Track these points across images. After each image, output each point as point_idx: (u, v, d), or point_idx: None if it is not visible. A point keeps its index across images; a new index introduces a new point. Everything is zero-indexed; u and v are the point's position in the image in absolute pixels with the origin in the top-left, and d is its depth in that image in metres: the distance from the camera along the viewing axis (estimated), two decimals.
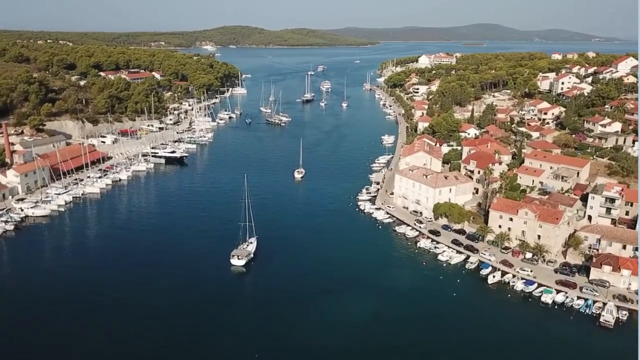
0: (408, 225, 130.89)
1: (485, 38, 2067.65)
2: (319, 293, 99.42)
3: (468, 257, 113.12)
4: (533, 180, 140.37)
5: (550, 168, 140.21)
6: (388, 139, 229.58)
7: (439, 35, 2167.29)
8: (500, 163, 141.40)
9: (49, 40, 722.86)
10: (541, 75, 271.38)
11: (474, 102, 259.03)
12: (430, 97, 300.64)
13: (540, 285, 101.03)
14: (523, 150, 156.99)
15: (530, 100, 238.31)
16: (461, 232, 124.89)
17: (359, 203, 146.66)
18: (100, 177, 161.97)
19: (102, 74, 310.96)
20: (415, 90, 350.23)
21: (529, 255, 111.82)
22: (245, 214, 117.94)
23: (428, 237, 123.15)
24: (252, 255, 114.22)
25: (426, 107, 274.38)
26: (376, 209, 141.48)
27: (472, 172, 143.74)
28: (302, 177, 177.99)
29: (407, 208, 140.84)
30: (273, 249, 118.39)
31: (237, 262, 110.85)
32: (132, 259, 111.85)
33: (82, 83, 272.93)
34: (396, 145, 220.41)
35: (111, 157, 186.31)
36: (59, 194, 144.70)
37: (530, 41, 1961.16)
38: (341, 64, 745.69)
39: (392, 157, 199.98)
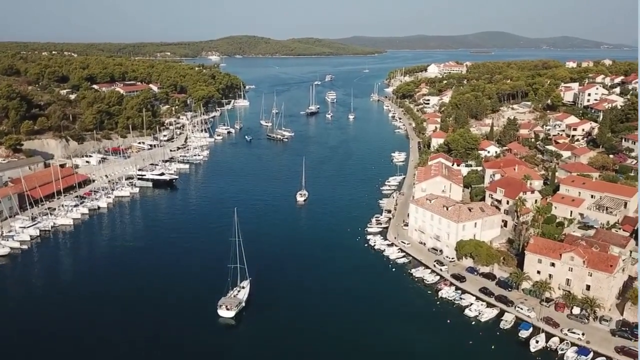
0: (426, 267, 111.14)
1: (493, 46, 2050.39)
2: (321, 356, 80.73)
3: (502, 312, 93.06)
4: (571, 212, 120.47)
5: (592, 197, 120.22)
6: (399, 157, 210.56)
7: (446, 43, 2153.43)
8: (532, 191, 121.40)
9: (53, 52, 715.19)
10: (563, 86, 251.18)
11: (491, 116, 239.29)
12: (443, 109, 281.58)
13: (596, 354, 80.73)
14: (556, 174, 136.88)
15: (554, 114, 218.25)
16: (490, 276, 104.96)
17: (369, 237, 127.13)
18: (76, 206, 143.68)
19: (95, 86, 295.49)
20: (426, 102, 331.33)
21: (576, 309, 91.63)
22: (235, 255, 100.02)
23: (451, 284, 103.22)
24: (243, 304, 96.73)
25: (439, 120, 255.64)
26: (388, 245, 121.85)
27: (499, 201, 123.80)
28: (304, 201, 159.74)
29: (425, 244, 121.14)
30: (268, 295, 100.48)
31: (226, 313, 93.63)
32: (98, 312, 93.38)
33: (72, 97, 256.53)
34: (408, 164, 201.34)
35: (94, 180, 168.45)
36: (25, 227, 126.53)
37: (538, 49, 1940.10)
38: (348, 74, 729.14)
39: (404, 177, 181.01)
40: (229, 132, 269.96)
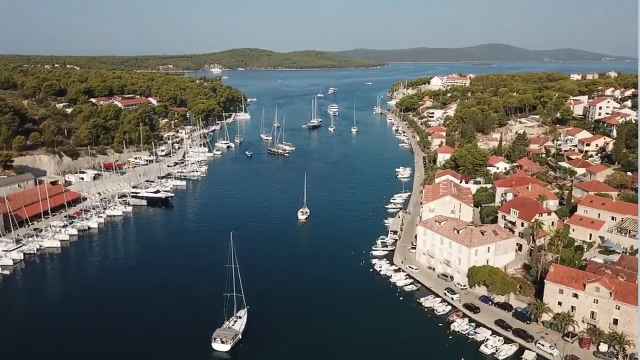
0: (436, 295, 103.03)
1: (495, 58, 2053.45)
2: None
3: (522, 349, 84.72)
4: (590, 235, 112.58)
5: (613, 219, 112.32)
6: (403, 172, 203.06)
7: (448, 56, 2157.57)
8: (549, 213, 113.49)
9: (56, 65, 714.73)
10: (572, 99, 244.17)
11: (500, 130, 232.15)
12: (448, 122, 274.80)
13: None
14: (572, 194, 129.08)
15: (564, 128, 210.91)
16: (506, 306, 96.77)
17: (374, 261, 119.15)
18: (64, 226, 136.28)
19: (93, 100, 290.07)
20: (430, 115, 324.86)
21: (603, 346, 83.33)
22: (231, 282, 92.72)
23: (464, 315, 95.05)
24: (239, 337, 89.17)
25: (444, 134, 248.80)
26: (395, 270, 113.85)
27: (513, 223, 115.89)
28: (306, 219, 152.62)
29: (434, 269, 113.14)
30: (267, 326, 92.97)
31: (221, 346, 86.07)
32: (84, 343, 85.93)
33: (69, 111, 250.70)
34: (413, 180, 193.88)
35: (86, 198, 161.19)
36: (8, 250, 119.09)
37: (540, 61, 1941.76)
38: (350, 86, 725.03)
39: (410, 195, 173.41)
40: (228, 147, 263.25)
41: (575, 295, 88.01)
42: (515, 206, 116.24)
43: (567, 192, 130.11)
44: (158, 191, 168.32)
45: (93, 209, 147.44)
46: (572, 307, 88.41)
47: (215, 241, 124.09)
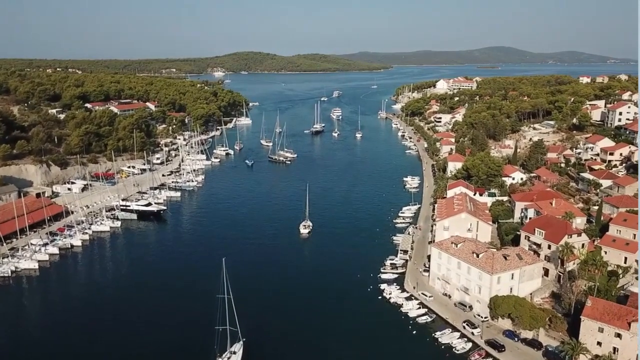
0: (454, 328, 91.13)
1: (499, 61, 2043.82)
2: None
3: None
4: (625, 258, 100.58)
5: None
6: (412, 182, 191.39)
7: (452, 59, 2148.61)
8: (579, 234, 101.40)
9: (58, 69, 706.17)
10: (589, 104, 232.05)
11: (512, 136, 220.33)
12: (457, 128, 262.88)
13: None
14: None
15: (581, 135, 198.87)
16: (535, 344, 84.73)
17: (383, 286, 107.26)
18: (45, 244, 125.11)
19: (89, 105, 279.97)
20: (437, 120, 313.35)
21: None
22: (225, 314, 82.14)
23: (487, 355, 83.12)
24: None
25: (453, 140, 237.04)
26: (406, 298, 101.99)
27: (538, 245, 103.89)
28: (308, 233, 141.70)
29: (450, 297, 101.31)
30: None
31: None
32: None
33: (62, 117, 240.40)
34: (422, 190, 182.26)
35: (73, 212, 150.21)
36: None
37: (544, 64, 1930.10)
38: (355, 89, 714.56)
39: (420, 207, 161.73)
40: (227, 154, 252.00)
41: (619, 335, 75.99)
42: (541, 226, 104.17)
43: (597, 208, 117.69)
44: (150, 204, 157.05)
45: (77, 224, 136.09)
46: (615, 349, 76.41)
47: (210, 264, 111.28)
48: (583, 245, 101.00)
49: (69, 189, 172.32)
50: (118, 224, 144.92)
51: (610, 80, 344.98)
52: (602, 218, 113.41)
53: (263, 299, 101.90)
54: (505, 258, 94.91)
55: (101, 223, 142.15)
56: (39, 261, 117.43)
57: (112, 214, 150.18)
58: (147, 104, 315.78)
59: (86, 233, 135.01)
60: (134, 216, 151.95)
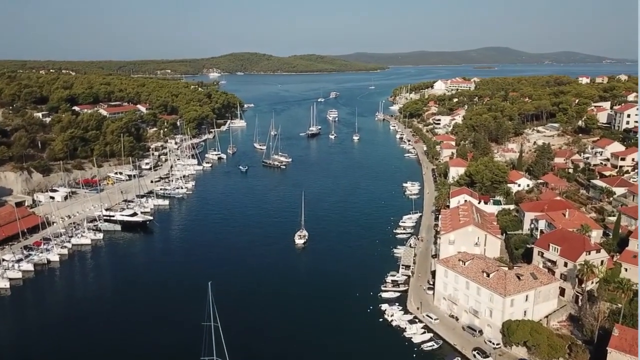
0: (463, 357, 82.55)
1: (495, 61, 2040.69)
2: None
3: None
4: None
5: None
6: (412, 188, 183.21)
7: (448, 59, 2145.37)
8: (598, 250, 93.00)
9: (52, 70, 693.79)
10: (594, 105, 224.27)
11: (516, 140, 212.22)
12: (457, 130, 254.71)
13: None
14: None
15: (588, 138, 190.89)
16: None
17: (383, 307, 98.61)
18: (18, 261, 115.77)
19: (77, 108, 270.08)
20: (437, 122, 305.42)
21: None
22: (212, 344, 74.72)
23: None
24: None
25: (453, 143, 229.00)
26: (410, 320, 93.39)
27: (553, 262, 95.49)
28: (304, 243, 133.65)
29: (457, 319, 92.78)
30: None
31: None
32: None
33: (48, 120, 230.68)
34: (423, 197, 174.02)
35: (53, 223, 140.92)
36: None
37: (541, 64, 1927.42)
38: (351, 90, 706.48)
39: (421, 215, 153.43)
40: (219, 158, 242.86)
41: None
42: (556, 241, 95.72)
43: (614, 219, 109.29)
44: (135, 214, 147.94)
45: (56, 237, 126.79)
46: None
47: (197, 284, 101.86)
48: (602, 262, 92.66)
49: (51, 197, 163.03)
50: (100, 236, 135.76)
51: (610, 81, 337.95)
52: (619, 230, 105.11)
53: (254, 324, 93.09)
54: (519, 278, 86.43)
55: (82, 235, 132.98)
56: (10, 279, 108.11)
57: (94, 225, 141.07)
58: (138, 106, 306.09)
59: (65, 247, 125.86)
60: (118, 227, 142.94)
